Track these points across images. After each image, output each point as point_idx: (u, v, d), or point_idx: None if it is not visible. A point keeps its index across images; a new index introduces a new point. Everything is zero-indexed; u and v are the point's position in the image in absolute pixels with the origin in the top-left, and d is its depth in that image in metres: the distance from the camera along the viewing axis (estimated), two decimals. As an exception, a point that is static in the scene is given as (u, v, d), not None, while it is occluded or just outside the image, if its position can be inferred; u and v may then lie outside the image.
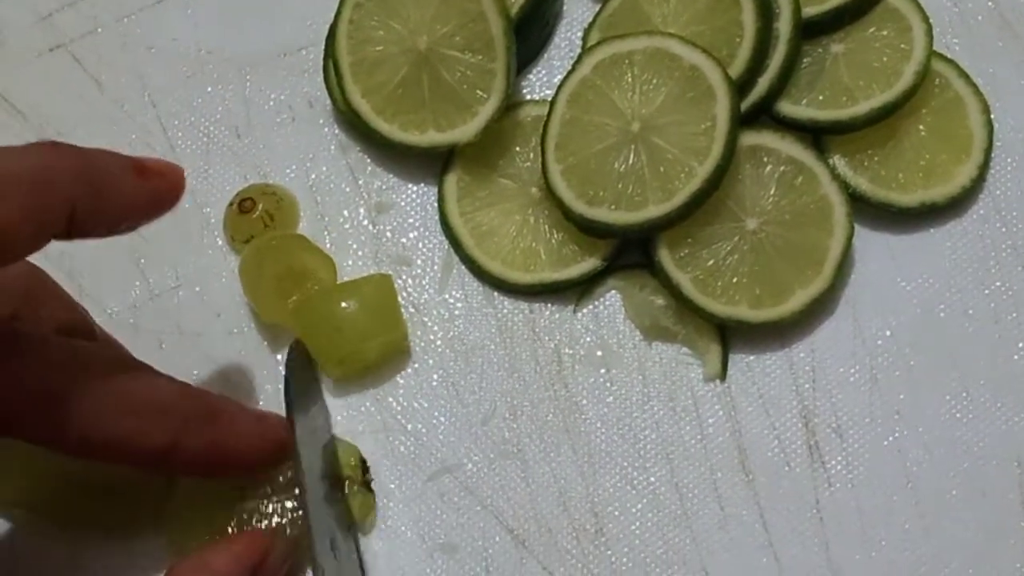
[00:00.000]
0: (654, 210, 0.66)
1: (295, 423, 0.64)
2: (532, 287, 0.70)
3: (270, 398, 0.69)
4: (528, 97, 0.74)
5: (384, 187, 0.73)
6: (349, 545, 0.65)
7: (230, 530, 0.64)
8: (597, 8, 0.74)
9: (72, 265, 0.72)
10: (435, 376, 0.70)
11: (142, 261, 0.72)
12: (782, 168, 0.68)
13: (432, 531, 0.67)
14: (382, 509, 0.67)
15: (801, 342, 0.69)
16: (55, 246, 0.68)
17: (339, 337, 0.67)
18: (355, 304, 0.67)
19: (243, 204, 0.71)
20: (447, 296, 0.71)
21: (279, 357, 0.70)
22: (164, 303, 0.71)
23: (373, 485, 0.67)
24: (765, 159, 0.69)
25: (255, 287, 0.69)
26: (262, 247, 0.69)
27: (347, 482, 0.66)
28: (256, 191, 0.71)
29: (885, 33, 0.71)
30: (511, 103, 0.71)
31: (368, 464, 0.68)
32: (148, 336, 0.71)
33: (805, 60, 0.71)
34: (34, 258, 0.68)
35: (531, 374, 0.69)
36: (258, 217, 0.71)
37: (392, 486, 0.68)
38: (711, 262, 0.68)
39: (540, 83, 0.75)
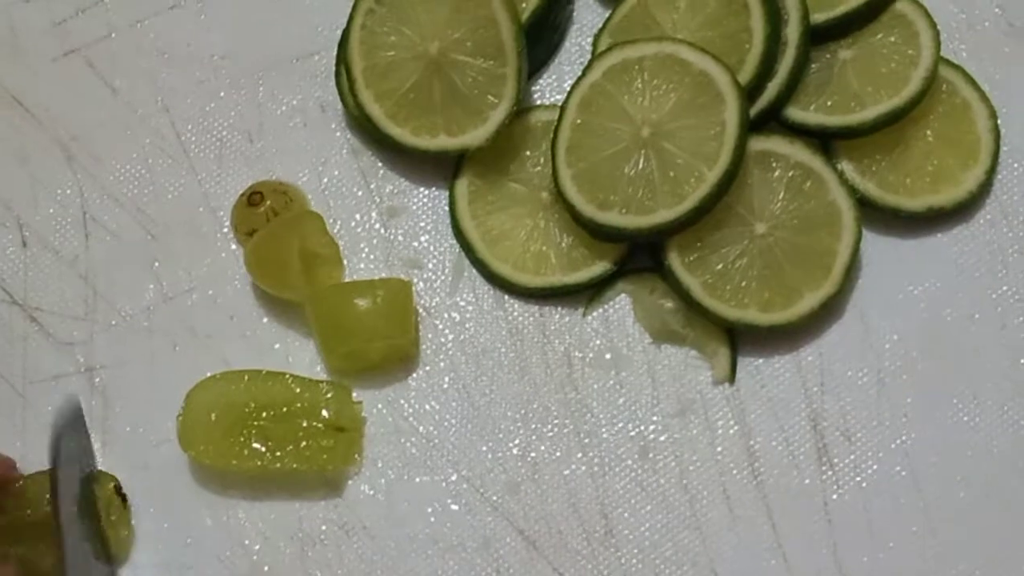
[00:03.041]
0: (664, 214, 0.67)
1: (58, 478, 0.64)
2: (542, 290, 0.71)
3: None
4: (538, 102, 0.75)
5: (395, 191, 0.74)
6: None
7: None
8: (607, 14, 0.74)
9: (87, 268, 0.73)
10: (446, 379, 0.70)
11: (156, 264, 0.73)
12: (791, 173, 0.69)
13: (443, 532, 0.67)
14: (395, 510, 0.67)
15: (809, 345, 0.69)
16: (69, 250, 0.70)
17: (347, 332, 0.68)
18: (369, 303, 0.68)
19: (252, 197, 0.71)
20: (458, 299, 0.72)
21: (291, 359, 0.71)
22: (178, 305, 0.72)
23: (128, 508, 0.68)
24: (774, 164, 0.69)
25: (270, 262, 0.69)
26: (280, 225, 0.70)
27: (105, 513, 0.67)
28: (268, 187, 0.72)
29: (893, 39, 0.71)
30: (521, 108, 0.72)
31: (125, 493, 0.68)
32: (162, 338, 0.71)
33: (813, 66, 0.71)
34: (48, 262, 0.69)
35: (541, 377, 0.70)
36: (263, 212, 0.71)
37: (402, 488, 0.68)
38: (720, 266, 0.68)
39: (550, 88, 0.76)
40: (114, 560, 0.67)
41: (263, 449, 0.67)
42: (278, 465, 0.67)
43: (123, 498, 0.68)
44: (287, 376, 0.68)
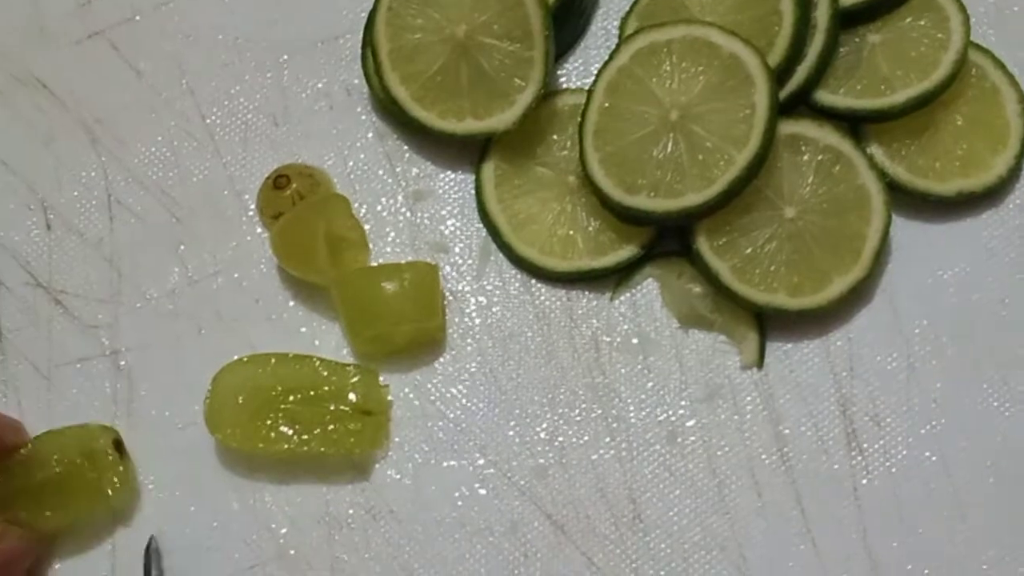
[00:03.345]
0: (693, 198, 0.66)
1: None
2: (569, 275, 0.70)
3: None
4: (564, 86, 0.75)
5: (421, 175, 0.74)
6: None
7: None
8: (633, -2, 0.74)
9: (112, 251, 0.72)
10: (473, 363, 0.70)
11: (181, 247, 0.73)
12: (820, 157, 0.69)
13: (470, 516, 0.67)
14: (422, 495, 0.67)
15: (838, 330, 0.69)
16: (94, 233, 0.70)
17: (373, 315, 0.68)
18: (396, 287, 0.68)
19: (278, 180, 0.71)
20: (484, 283, 0.71)
21: (317, 343, 0.71)
22: (203, 289, 0.72)
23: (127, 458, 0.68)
24: (803, 148, 0.69)
25: (297, 245, 0.69)
26: (307, 208, 0.70)
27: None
28: (294, 170, 0.72)
29: (922, 23, 0.71)
30: (548, 92, 0.71)
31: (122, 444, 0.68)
32: (187, 321, 0.71)
33: (842, 50, 0.71)
34: (73, 244, 0.69)
35: (568, 361, 0.70)
36: (289, 196, 0.71)
37: (429, 472, 0.68)
38: (749, 250, 0.68)
39: (576, 72, 0.75)
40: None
41: (290, 432, 0.66)
42: (305, 448, 0.66)
43: (120, 449, 0.68)
44: (314, 359, 0.68)
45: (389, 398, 0.69)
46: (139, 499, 0.68)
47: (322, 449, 0.66)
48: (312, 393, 0.67)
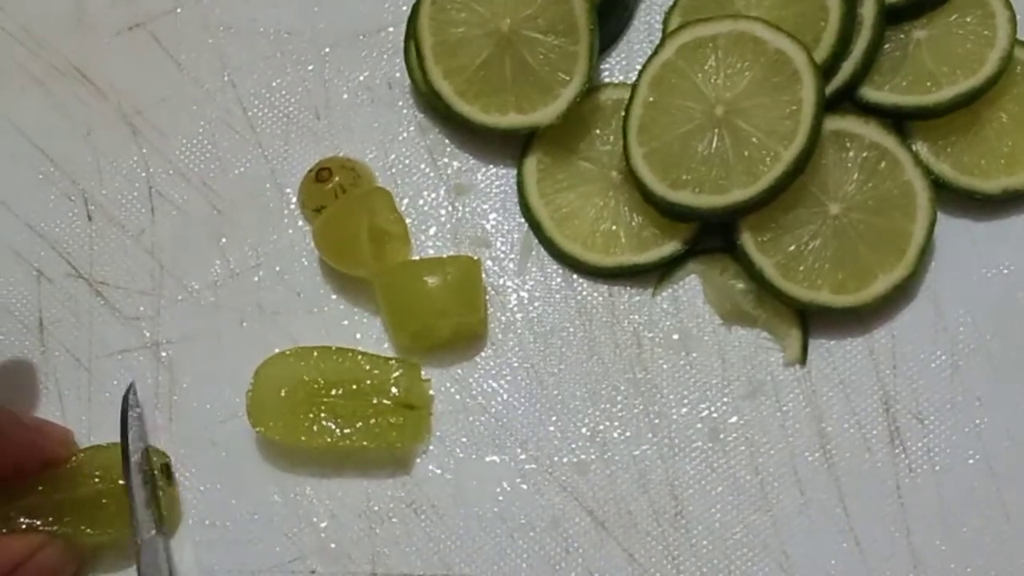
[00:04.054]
0: (738, 194, 0.66)
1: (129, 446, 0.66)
2: (612, 270, 0.70)
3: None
4: (607, 81, 0.74)
5: (463, 169, 0.74)
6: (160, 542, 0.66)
7: None
8: (676, -7, 0.74)
9: (153, 243, 0.72)
10: (514, 358, 0.70)
11: (223, 240, 0.72)
12: (865, 153, 0.68)
13: (511, 511, 0.67)
14: (463, 489, 0.67)
15: (882, 328, 0.69)
16: (135, 224, 0.70)
17: (415, 310, 0.68)
18: (438, 281, 0.68)
19: (320, 173, 0.71)
20: (526, 278, 0.71)
21: (358, 336, 0.70)
22: (244, 281, 0.72)
23: (175, 485, 0.68)
24: (848, 144, 0.69)
25: (339, 239, 0.69)
26: (350, 201, 0.70)
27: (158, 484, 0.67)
28: (336, 163, 0.72)
29: (968, 19, 0.70)
30: (591, 86, 0.71)
31: (171, 468, 0.68)
32: (229, 314, 0.71)
33: (887, 46, 0.71)
34: (114, 236, 0.69)
35: (610, 357, 0.69)
36: (331, 189, 0.71)
37: (471, 466, 0.68)
38: (793, 247, 0.68)
39: (619, 67, 0.75)
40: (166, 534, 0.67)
41: (332, 426, 0.66)
42: (347, 442, 0.66)
43: (169, 476, 0.68)
44: (356, 353, 0.68)
45: (431, 392, 0.69)
46: (180, 501, 0.68)
47: (364, 443, 0.66)
48: (354, 387, 0.67)
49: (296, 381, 0.67)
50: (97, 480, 0.66)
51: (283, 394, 0.67)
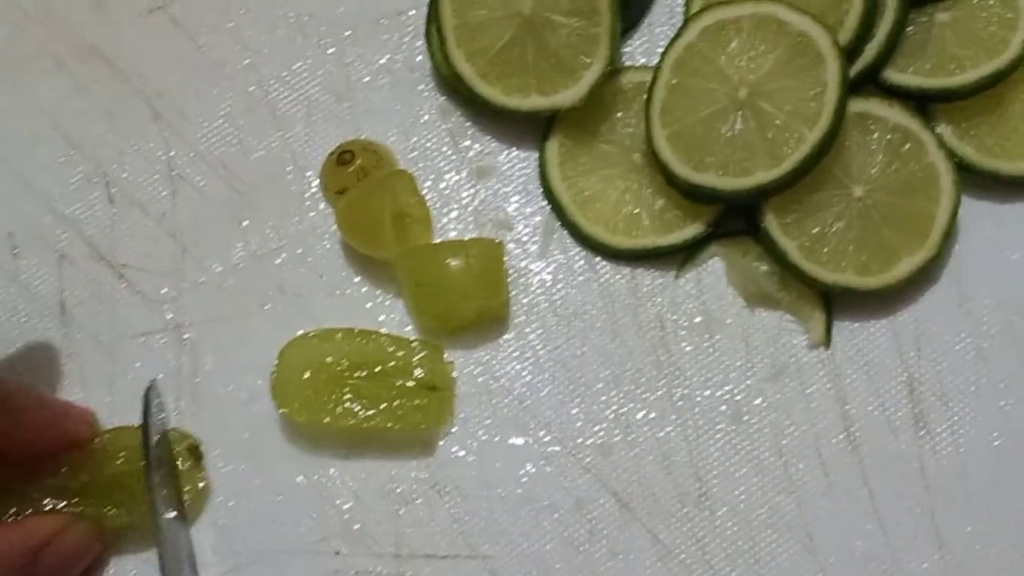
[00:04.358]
0: (762, 176, 0.66)
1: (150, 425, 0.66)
2: (635, 252, 0.70)
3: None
4: (628, 64, 0.74)
5: (484, 151, 0.73)
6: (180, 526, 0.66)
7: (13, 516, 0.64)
8: (698, -24, 0.73)
9: (175, 226, 0.72)
10: (537, 340, 0.70)
11: (245, 223, 0.72)
12: (889, 136, 0.68)
13: (536, 493, 0.67)
14: (487, 471, 0.67)
15: (906, 310, 0.69)
16: (156, 207, 0.70)
17: (438, 292, 0.68)
18: (461, 263, 0.68)
19: (342, 156, 0.71)
20: (548, 261, 0.71)
21: (381, 318, 0.70)
22: (266, 264, 0.72)
23: (204, 467, 0.68)
24: (872, 126, 0.68)
25: (363, 221, 0.69)
26: (373, 183, 0.70)
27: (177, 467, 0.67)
28: (358, 146, 0.71)
29: (991, 2, 0.70)
30: (613, 69, 0.71)
31: (201, 451, 0.68)
32: (250, 296, 0.71)
33: (911, 28, 0.71)
34: (136, 218, 0.69)
35: (633, 339, 0.69)
36: (354, 171, 0.71)
37: (494, 448, 0.68)
38: (817, 229, 0.68)
39: (641, 50, 0.75)
40: (186, 516, 0.67)
41: (356, 407, 0.66)
42: (371, 423, 0.66)
43: (198, 459, 0.68)
44: (380, 335, 0.68)
45: (454, 374, 0.69)
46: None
47: (388, 424, 0.66)
48: (378, 369, 0.67)
49: (320, 363, 0.67)
50: (120, 461, 0.66)
51: (307, 376, 0.67)
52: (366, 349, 0.67)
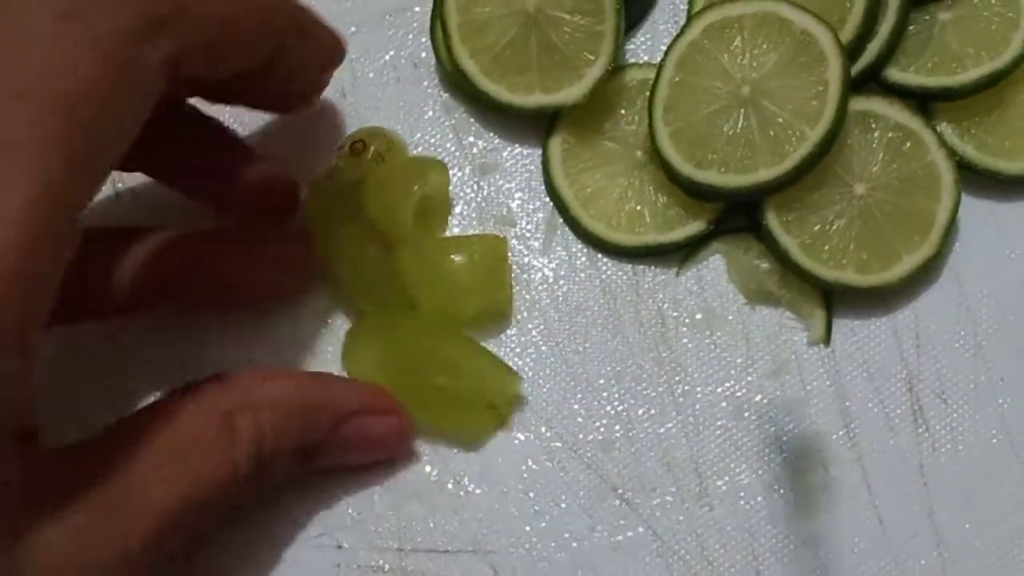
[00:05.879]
0: (764, 174, 0.67)
1: None
2: (636, 249, 0.71)
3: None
4: (631, 61, 0.75)
5: (488, 148, 0.74)
6: None
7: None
8: (702, -27, 0.74)
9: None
10: (538, 336, 0.70)
11: (249, 218, 0.73)
12: (890, 134, 0.69)
13: (535, 489, 0.67)
14: (488, 466, 0.68)
15: (905, 308, 0.69)
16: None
17: (441, 287, 0.68)
18: (464, 259, 0.68)
19: (355, 146, 0.71)
20: (550, 257, 0.72)
21: (384, 314, 0.71)
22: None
23: None
24: (873, 125, 0.69)
25: (389, 197, 0.69)
26: (408, 164, 0.70)
27: None
28: (365, 133, 0.71)
29: (993, 1, 0.71)
30: (616, 67, 0.71)
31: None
32: (255, 291, 0.71)
33: (913, 27, 0.71)
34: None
35: (635, 335, 0.70)
36: (371, 158, 0.71)
37: (495, 444, 0.68)
38: (818, 227, 0.68)
39: (644, 48, 0.75)
40: None
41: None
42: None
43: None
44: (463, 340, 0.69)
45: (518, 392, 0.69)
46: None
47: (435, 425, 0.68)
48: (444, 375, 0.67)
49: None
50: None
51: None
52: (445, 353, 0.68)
